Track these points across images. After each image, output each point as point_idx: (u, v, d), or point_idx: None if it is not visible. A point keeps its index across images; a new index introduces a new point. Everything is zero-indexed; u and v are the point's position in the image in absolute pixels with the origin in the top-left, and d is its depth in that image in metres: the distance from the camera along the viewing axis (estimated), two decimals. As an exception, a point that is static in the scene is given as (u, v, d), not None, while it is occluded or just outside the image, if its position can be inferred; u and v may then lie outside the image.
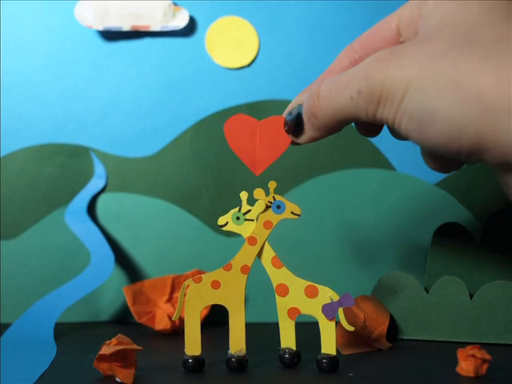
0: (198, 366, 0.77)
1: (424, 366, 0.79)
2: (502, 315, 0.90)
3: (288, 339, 0.78)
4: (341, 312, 0.75)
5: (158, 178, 1.09)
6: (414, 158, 1.07)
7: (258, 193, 0.77)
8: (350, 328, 0.74)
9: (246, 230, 0.77)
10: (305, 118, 0.71)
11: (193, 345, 0.77)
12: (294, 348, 0.78)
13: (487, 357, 0.72)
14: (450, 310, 0.92)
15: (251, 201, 0.77)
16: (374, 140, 1.08)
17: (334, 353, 0.75)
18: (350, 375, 0.74)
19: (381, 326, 0.89)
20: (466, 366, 0.73)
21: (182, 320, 1.00)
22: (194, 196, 1.09)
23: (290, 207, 0.78)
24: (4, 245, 1.08)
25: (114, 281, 1.08)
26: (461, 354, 0.74)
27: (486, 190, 1.06)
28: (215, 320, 1.02)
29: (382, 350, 0.87)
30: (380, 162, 1.08)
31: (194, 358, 0.77)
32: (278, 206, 0.78)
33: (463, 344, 0.77)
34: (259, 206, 0.77)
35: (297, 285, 0.77)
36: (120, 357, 0.72)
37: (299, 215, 0.78)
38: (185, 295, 0.77)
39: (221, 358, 0.79)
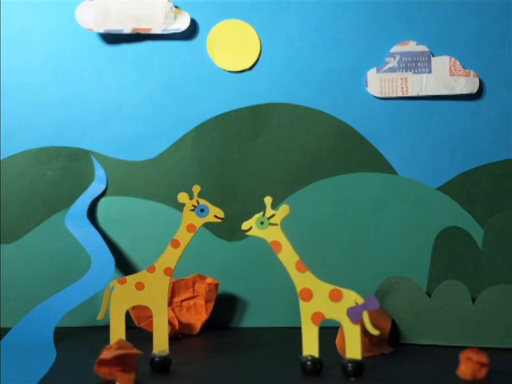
0: None
1: (426, 370, 0.79)
2: (504, 320, 0.90)
3: (311, 346, 0.77)
4: (365, 315, 0.74)
5: (159, 182, 1.09)
6: (416, 163, 1.07)
7: (182, 197, 0.80)
8: (376, 332, 0.74)
9: (270, 234, 0.77)
10: None
11: None
12: (317, 355, 0.77)
13: (484, 360, 0.72)
14: (452, 314, 0.91)
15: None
16: (376, 144, 1.07)
17: (359, 357, 0.75)
18: (351, 380, 0.74)
19: (383, 331, 0.88)
20: (464, 368, 0.73)
21: (181, 324, 1.00)
22: (195, 200, 1.08)
23: (214, 211, 0.80)
24: (4, 248, 1.08)
25: (115, 285, 1.07)
26: (462, 356, 0.74)
27: (487, 193, 1.06)
28: (215, 325, 1.02)
29: (384, 355, 0.87)
30: (382, 166, 1.07)
31: None
32: (202, 210, 0.80)
33: (465, 349, 0.77)
34: (283, 210, 0.77)
35: (321, 289, 0.76)
36: (120, 361, 0.71)
37: (222, 219, 0.80)
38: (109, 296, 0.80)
39: (222, 362, 0.79)
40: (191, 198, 0.80)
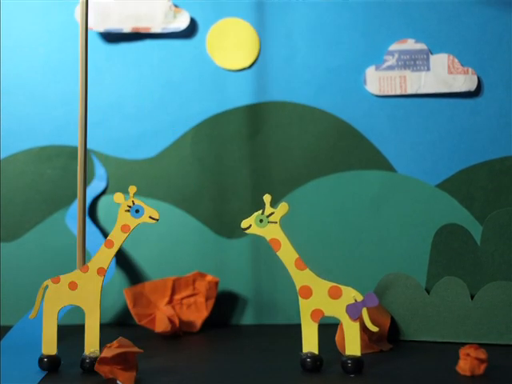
0: (52, 365, 0.78)
1: (425, 366, 0.79)
2: (503, 316, 0.90)
3: (311, 343, 0.77)
4: (365, 312, 0.74)
5: (159, 180, 1.09)
6: (414, 160, 1.07)
7: (118, 197, 0.78)
8: (374, 328, 0.74)
9: (269, 232, 0.77)
10: None
11: (49, 344, 0.79)
12: (317, 352, 0.77)
13: (482, 356, 0.72)
14: (451, 310, 0.92)
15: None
16: (375, 142, 1.07)
17: (358, 354, 0.75)
18: (351, 376, 0.74)
19: (382, 328, 0.89)
20: (463, 364, 0.73)
21: (182, 322, 1.00)
22: (195, 198, 1.09)
23: (149, 212, 0.79)
24: (4, 247, 1.08)
25: (115, 283, 1.08)
26: (461, 352, 0.74)
27: (486, 191, 1.06)
28: (215, 322, 1.02)
29: (383, 351, 0.87)
30: (381, 163, 1.08)
31: (50, 357, 0.78)
32: (137, 211, 0.79)
33: (464, 345, 0.77)
34: (282, 208, 0.77)
35: (320, 286, 0.77)
36: (121, 359, 0.72)
37: (157, 220, 0.79)
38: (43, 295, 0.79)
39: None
40: (128, 198, 0.79)
